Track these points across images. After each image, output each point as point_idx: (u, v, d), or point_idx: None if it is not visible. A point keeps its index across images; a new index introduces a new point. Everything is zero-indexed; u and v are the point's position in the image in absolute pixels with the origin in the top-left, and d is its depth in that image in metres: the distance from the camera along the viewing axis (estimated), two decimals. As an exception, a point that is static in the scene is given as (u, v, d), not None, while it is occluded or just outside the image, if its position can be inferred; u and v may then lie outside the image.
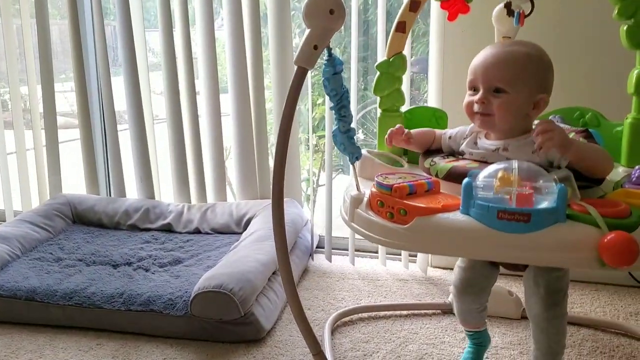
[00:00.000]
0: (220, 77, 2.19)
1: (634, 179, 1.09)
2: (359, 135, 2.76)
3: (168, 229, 2.17)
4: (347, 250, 2.12)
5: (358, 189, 1.16)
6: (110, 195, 2.47)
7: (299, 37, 2.41)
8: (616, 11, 1.22)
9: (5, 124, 2.49)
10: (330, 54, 1.12)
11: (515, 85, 1.12)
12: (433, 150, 1.31)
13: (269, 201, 2.14)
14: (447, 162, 1.17)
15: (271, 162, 2.25)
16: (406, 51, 1.46)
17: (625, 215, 0.94)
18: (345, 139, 1.17)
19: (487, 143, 1.19)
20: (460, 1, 1.35)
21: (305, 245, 2.08)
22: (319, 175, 2.71)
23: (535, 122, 1.19)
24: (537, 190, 0.96)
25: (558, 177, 0.98)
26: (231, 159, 2.31)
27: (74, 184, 2.62)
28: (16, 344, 1.58)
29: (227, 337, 1.58)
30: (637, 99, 1.26)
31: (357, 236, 2.07)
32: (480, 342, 1.41)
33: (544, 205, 0.95)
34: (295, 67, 1.10)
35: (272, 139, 2.27)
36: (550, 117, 1.36)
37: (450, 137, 1.29)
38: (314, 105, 2.56)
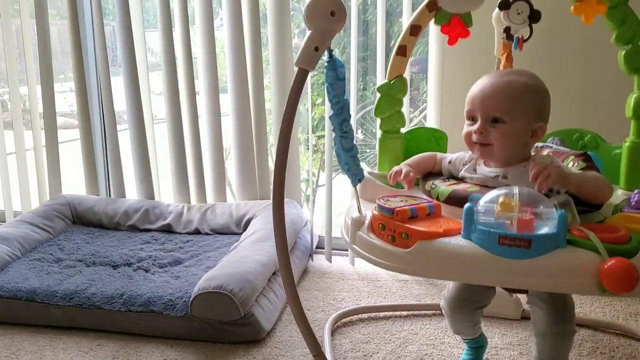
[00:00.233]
0: (220, 77, 2.19)
1: (633, 203, 1.09)
2: (359, 136, 2.76)
3: (168, 229, 2.17)
4: (347, 250, 2.12)
5: (360, 211, 1.17)
6: (110, 196, 2.47)
7: (298, 37, 2.41)
8: (614, 37, 1.24)
9: (4, 124, 2.48)
10: (331, 56, 1.12)
11: (514, 115, 1.13)
12: (434, 172, 1.31)
13: (269, 202, 2.16)
14: (448, 186, 1.18)
15: (271, 163, 2.25)
16: (406, 77, 1.47)
17: (625, 241, 0.95)
18: (349, 160, 1.17)
19: (487, 170, 1.19)
20: (460, 25, 1.37)
21: (304, 245, 2.08)
22: (318, 176, 2.71)
23: (534, 148, 1.20)
24: (537, 216, 0.96)
25: (558, 203, 0.99)
26: (231, 159, 2.31)
27: (74, 184, 2.62)
28: (16, 345, 1.58)
29: (227, 337, 1.58)
30: (636, 123, 1.27)
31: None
32: (477, 345, 1.41)
33: (544, 230, 0.96)
34: (296, 68, 1.10)
35: (272, 139, 2.27)
36: (549, 140, 1.38)
37: (450, 162, 1.29)
38: (313, 105, 2.56)
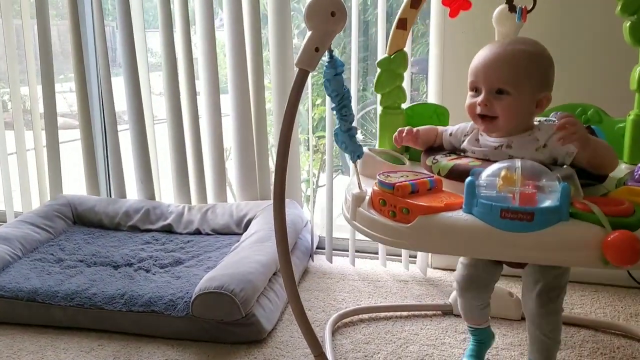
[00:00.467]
0: (220, 77, 2.19)
1: (636, 177, 1.09)
2: (358, 136, 2.76)
3: (168, 229, 2.18)
4: (347, 251, 2.13)
5: (360, 187, 1.16)
6: (110, 196, 2.47)
7: (298, 37, 2.41)
8: (619, 7, 1.21)
9: (5, 124, 2.49)
10: (331, 56, 1.12)
11: (518, 85, 1.11)
12: (435, 147, 1.30)
13: (269, 202, 2.16)
14: (449, 160, 1.17)
15: (271, 163, 2.25)
16: (406, 51, 1.46)
17: (628, 213, 0.94)
18: (346, 138, 1.17)
19: (490, 140, 1.18)
20: None
21: (305, 246, 2.08)
22: (318, 176, 2.71)
23: (537, 119, 1.19)
24: (540, 189, 0.95)
25: (561, 175, 0.98)
26: (231, 159, 2.31)
27: (75, 184, 2.62)
28: (18, 345, 1.58)
29: (228, 338, 1.58)
30: None
31: (357, 237, 2.08)
32: (481, 339, 1.41)
33: (547, 204, 0.95)
34: (296, 69, 1.10)
35: (272, 139, 2.27)
36: (551, 115, 1.36)
37: (451, 134, 1.28)
38: (313, 106, 2.56)
